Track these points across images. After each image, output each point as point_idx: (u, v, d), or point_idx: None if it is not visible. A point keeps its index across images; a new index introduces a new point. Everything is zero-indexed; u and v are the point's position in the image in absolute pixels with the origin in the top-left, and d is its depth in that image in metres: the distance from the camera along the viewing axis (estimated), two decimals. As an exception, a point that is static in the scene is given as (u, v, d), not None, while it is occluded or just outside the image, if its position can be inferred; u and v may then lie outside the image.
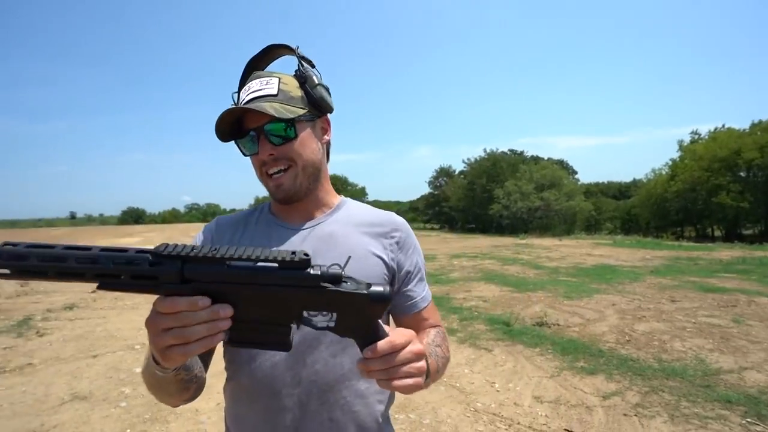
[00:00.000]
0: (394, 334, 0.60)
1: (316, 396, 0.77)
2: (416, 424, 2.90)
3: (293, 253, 0.54)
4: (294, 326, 0.58)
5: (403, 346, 0.59)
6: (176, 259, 0.53)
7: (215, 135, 0.79)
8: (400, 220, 0.92)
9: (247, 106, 0.76)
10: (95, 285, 0.51)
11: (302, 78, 0.81)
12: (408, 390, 0.59)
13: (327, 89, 0.85)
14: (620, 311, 5.73)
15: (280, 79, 0.80)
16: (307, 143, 0.81)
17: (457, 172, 41.72)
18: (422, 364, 0.61)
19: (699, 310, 5.65)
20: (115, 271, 0.52)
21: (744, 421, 2.74)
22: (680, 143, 32.08)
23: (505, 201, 28.74)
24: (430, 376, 0.71)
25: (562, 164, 39.76)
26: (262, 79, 0.80)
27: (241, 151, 0.82)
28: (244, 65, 0.89)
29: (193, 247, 0.53)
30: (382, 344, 0.58)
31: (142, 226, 49.44)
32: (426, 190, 45.57)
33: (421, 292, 0.90)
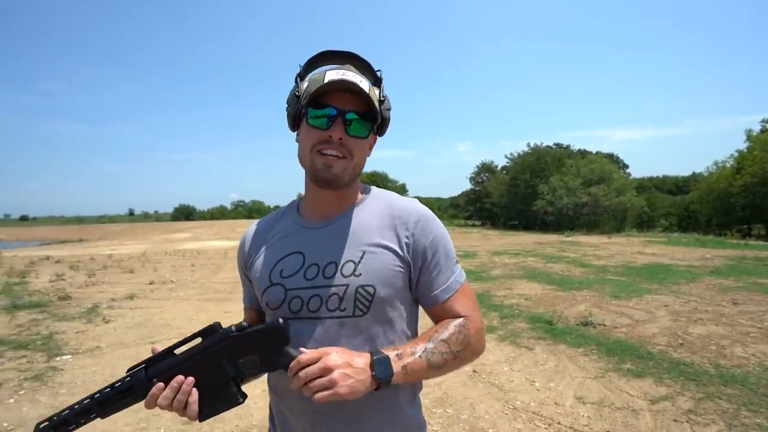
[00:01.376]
0: (304, 354, 0.72)
1: None
2: (453, 419, 2.91)
3: (209, 325, 0.77)
4: (237, 381, 0.77)
5: (309, 363, 0.71)
6: (141, 368, 0.75)
7: (293, 95, 0.85)
8: (419, 209, 0.89)
9: (356, 85, 0.79)
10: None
11: (382, 96, 0.87)
12: (324, 400, 0.69)
13: None
14: (673, 313, 5.40)
15: (369, 85, 0.85)
16: (365, 148, 0.87)
17: (499, 168, 40.75)
18: (331, 377, 0.69)
19: (766, 314, 5.22)
20: (107, 397, 0.74)
21: (813, 434, 2.53)
22: (748, 133, 29.39)
23: (549, 197, 27.71)
24: (407, 375, 0.76)
25: (611, 158, 37.77)
26: (356, 74, 0.83)
27: (306, 119, 0.83)
28: (318, 51, 0.90)
29: (152, 356, 0.77)
30: (292, 364, 0.71)
31: (192, 222, 52.34)
32: (467, 186, 44.90)
33: (444, 281, 0.87)
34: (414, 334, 0.92)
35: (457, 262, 0.91)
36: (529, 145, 34.83)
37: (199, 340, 0.78)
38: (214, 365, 0.75)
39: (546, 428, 2.76)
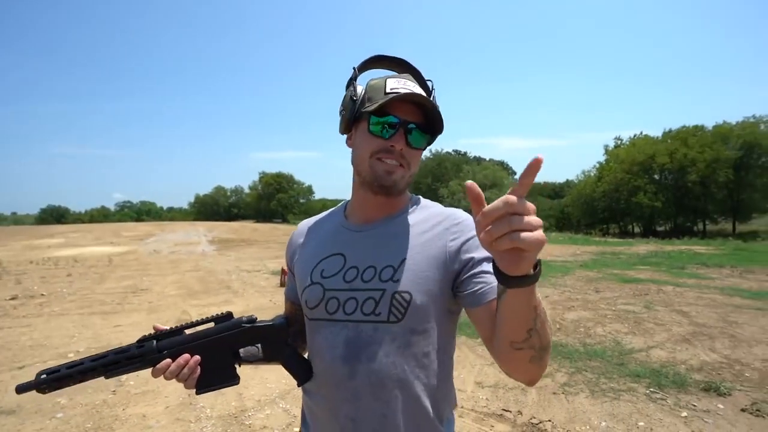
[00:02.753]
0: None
1: (369, 391, 0.79)
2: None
3: (222, 312, 0.86)
4: (237, 364, 0.85)
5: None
6: (153, 339, 0.82)
7: (362, 104, 0.84)
8: (463, 214, 0.88)
9: (423, 100, 0.81)
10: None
11: (437, 108, 0.86)
12: (532, 246, 0.50)
13: None
14: (553, 302, 6.27)
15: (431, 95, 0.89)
16: (419, 159, 0.89)
17: (404, 172, 42.51)
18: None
19: (618, 299, 6.34)
20: (114, 360, 0.79)
21: (648, 391, 3.20)
22: (606, 147, 35.24)
23: (449, 200, 29.89)
24: (538, 307, 0.65)
25: (503, 165, 41.94)
26: (416, 85, 0.86)
27: (368, 125, 0.83)
28: (371, 56, 0.91)
29: (166, 329, 0.84)
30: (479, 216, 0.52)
31: (66, 225, 45.14)
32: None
33: (492, 281, 0.76)
34: (448, 348, 0.87)
35: None
36: (431, 150, 37.12)
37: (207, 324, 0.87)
38: (219, 349, 0.83)
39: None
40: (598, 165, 34.98)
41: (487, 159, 41.79)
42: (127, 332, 5.20)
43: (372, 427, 0.80)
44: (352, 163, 0.89)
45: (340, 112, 0.89)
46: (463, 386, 3.46)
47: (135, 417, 2.99)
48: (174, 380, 0.80)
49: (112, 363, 0.79)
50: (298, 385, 0.89)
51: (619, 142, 35.39)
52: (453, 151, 40.06)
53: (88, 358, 0.79)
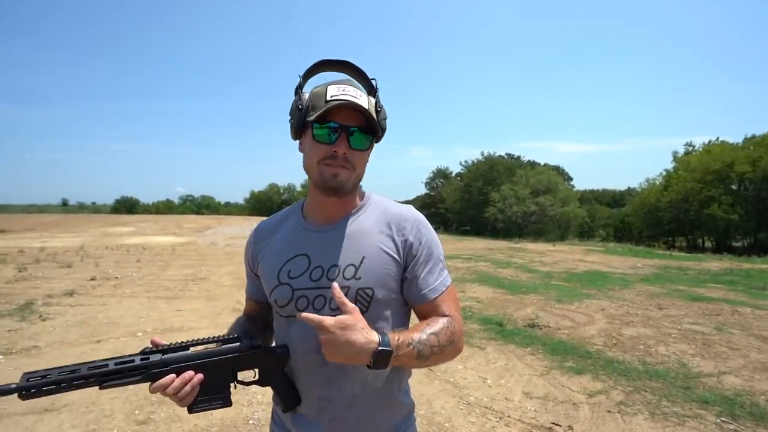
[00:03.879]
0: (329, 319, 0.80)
1: (341, 374, 0.90)
2: (412, 415, 3.04)
3: (229, 335, 0.88)
4: (233, 386, 0.87)
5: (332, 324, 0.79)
6: (158, 353, 0.80)
7: (299, 114, 0.90)
8: (413, 214, 0.98)
9: (358, 105, 0.86)
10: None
11: (378, 107, 0.94)
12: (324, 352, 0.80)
13: None
14: (609, 316, 5.92)
15: (368, 98, 0.93)
16: (365, 159, 0.96)
17: (453, 174, 41.98)
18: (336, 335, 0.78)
19: (685, 318, 5.86)
20: (116, 370, 0.76)
21: (719, 420, 2.92)
22: (674, 154, 32.61)
23: (500, 205, 29.02)
24: (397, 360, 0.81)
25: (558, 170, 40.09)
26: (356, 90, 0.91)
27: (312, 135, 0.89)
28: (315, 62, 0.96)
29: (168, 344, 0.82)
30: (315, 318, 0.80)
31: (135, 216, 49.17)
32: (422, 190, 45.78)
33: (432, 282, 0.94)
34: (407, 327, 0.99)
35: (445, 267, 0.99)
36: (482, 153, 36.31)
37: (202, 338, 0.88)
38: (222, 370, 0.84)
39: (497, 421, 2.97)
40: (664, 172, 32.46)
41: (542, 163, 40.17)
42: (187, 317, 5.58)
43: (345, 404, 0.92)
44: (304, 169, 0.96)
45: (289, 120, 0.95)
46: (510, 395, 3.36)
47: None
48: (168, 398, 0.80)
49: (114, 372, 0.75)
50: (284, 411, 0.97)
51: (690, 148, 32.62)
52: (506, 154, 38.87)
53: (85, 364, 0.73)
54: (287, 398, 0.94)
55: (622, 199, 48.94)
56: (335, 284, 0.84)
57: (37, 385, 0.70)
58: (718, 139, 30.82)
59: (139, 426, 2.81)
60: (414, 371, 1.14)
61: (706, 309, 6.40)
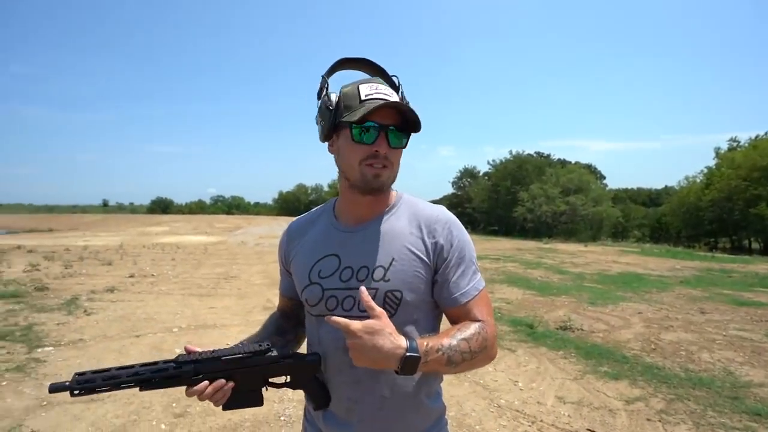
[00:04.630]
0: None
1: (370, 375, 0.90)
2: (441, 416, 3.01)
3: (259, 344, 0.88)
4: (264, 388, 0.90)
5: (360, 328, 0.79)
6: (191, 363, 0.83)
7: (344, 116, 0.89)
8: (445, 216, 0.96)
9: (396, 104, 0.87)
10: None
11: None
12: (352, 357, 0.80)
13: None
14: (646, 320, 5.68)
15: (399, 96, 0.93)
16: (400, 157, 0.94)
17: (481, 174, 41.36)
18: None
19: (730, 323, 5.54)
20: (150, 377, 0.81)
21: (771, 433, 2.75)
22: (717, 150, 30.86)
23: (529, 204, 28.36)
24: (426, 366, 0.81)
25: (590, 169, 38.82)
26: (386, 87, 0.91)
27: (351, 136, 0.88)
28: (335, 61, 0.96)
29: (201, 353, 0.85)
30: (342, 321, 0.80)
31: (169, 215, 51.11)
32: (449, 190, 45.34)
33: (464, 286, 0.92)
34: (435, 332, 0.96)
35: (478, 269, 0.96)
36: (511, 152, 35.53)
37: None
38: (253, 377, 0.88)
39: (529, 426, 2.90)
40: (706, 170, 30.80)
41: (573, 162, 38.97)
42: (219, 314, 5.74)
43: (375, 406, 0.91)
44: (340, 169, 0.95)
45: (318, 122, 0.94)
46: (542, 399, 3.27)
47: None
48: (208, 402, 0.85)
49: (149, 381, 0.81)
50: (314, 410, 0.98)
51: (734, 144, 30.84)
52: (535, 153, 37.92)
53: (124, 371, 0.80)
54: (318, 399, 0.95)
55: (659, 198, 46.90)
56: (363, 288, 0.84)
57: (85, 386, 0.78)
58: (766, 134, 29.04)
59: (177, 418, 2.91)
60: (444, 373, 1.11)
61: (754, 314, 6.04)
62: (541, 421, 2.95)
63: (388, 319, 0.81)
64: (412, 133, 0.93)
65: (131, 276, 8.59)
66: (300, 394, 1.02)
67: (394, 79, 0.96)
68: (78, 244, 15.56)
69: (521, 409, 3.12)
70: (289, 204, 66.56)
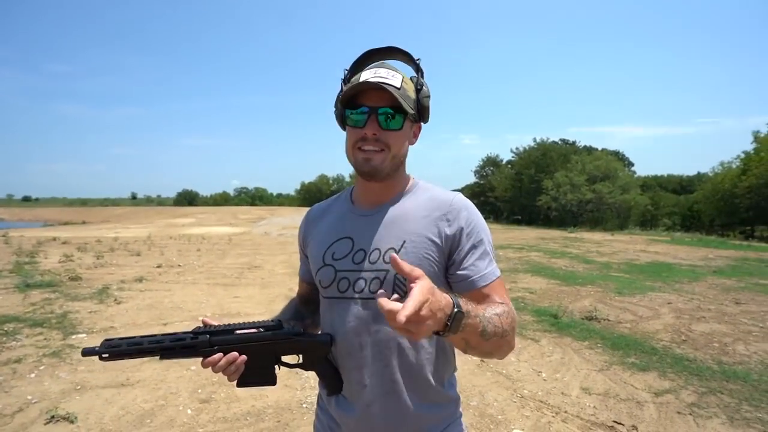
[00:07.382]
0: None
1: (378, 358, 0.90)
2: (463, 405, 2.96)
3: (272, 321, 0.90)
4: (277, 367, 0.91)
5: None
6: (206, 334, 0.86)
7: (338, 102, 0.92)
8: (459, 200, 0.94)
9: (383, 83, 0.85)
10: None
11: (419, 85, 0.92)
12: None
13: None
14: (676, 310, 5.47)
15: (403, 77, 0.91)
16: (403, 138, 0.92)
17: (504, 162, 40.61)
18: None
19: None
20: (170, 346, 0.85)
21: (813, 429, 2.61)
22: (756, 134, 29.23)
23: (554, 193, 27.67)
24: (462, 333, 0.72)
25: (617, 155, 37.56)
26: (389, 71, 0.90)
27: (345, 120, 0.91)
28: (363, 52, 0.97)
29: (216, 326, 0.88)
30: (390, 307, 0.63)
31: (195, 207, 52.53)
32: (471, 179, 44.73)
33: (482, 269, 0.89)
34: None
35: (494, 258, 0.93)
36: (535, 140, 34.67)
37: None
38: (265, 353, 0.89)
39: (553, 416, 2.84)
40: (743, 155, 29.27)
41: (600, 149, 37.73)
42: (243, 303, 5.86)
43: (383, 390, 0.90)
44: (346, 156, 0.96)
45: (334, 111, 0.96)
46: (567, 390, 3.21)
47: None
48: (220, 373, 0.86)
49: (168, 348, 0.85)
50: (328, 395, 0.98)
51: (774, 126, 29.17)
52: (560, 140, 36.85)
53: (147, 338, 0.86)
54: (330, 383, 0.95)
55: (691, 185, 45.02)
56: (394, 254, 0.69)
57: (112, 350, 0.84)
58: (809, 115, 27.30)
59: (202, 404, 2.99)
60: (464, 362, 1.07)
61: (794, 305, 5.74)
62: (566, 412, 2.89)
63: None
64: (413, 113, 0.90)
65: (159, 266, 8.86)
66: None
67: (417, 62, 0.94)
68: (109, 235, 16.17)
69: (545, 400, 3.07)
70: (312, 194, 67.16)
